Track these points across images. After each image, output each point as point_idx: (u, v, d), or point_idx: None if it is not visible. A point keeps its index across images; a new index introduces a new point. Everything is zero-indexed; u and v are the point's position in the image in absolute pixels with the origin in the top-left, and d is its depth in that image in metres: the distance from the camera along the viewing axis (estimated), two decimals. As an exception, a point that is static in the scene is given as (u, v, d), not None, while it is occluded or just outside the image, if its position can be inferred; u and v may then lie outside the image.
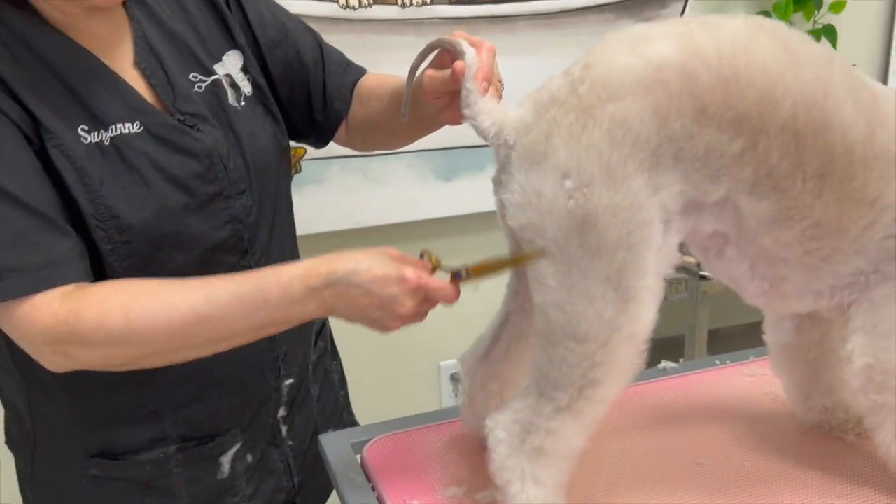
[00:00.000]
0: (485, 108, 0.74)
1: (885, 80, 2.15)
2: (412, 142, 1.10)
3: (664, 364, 1.14)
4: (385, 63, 1.72)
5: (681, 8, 1.89)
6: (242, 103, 0.92)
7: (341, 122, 1.05)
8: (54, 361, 0.77)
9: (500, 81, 0.81)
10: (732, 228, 0.74)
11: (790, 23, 1.90)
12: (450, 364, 1.96)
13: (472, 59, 0.75)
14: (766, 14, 1.92)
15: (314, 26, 1.04)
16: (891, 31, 2.10)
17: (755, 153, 0.69)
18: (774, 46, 0.70)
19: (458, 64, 0.76)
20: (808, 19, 1.97)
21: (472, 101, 0.74)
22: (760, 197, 0.71)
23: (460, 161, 1.79)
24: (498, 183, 0.76)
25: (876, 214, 0.72)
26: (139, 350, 0.76)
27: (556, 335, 0.70)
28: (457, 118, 0.85)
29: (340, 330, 1.09)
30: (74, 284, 0.76)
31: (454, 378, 1.97)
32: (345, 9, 1.64)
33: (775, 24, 0.73)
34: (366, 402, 1.97)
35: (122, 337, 0.74)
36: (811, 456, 0.89)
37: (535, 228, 0.70)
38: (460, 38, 0.79)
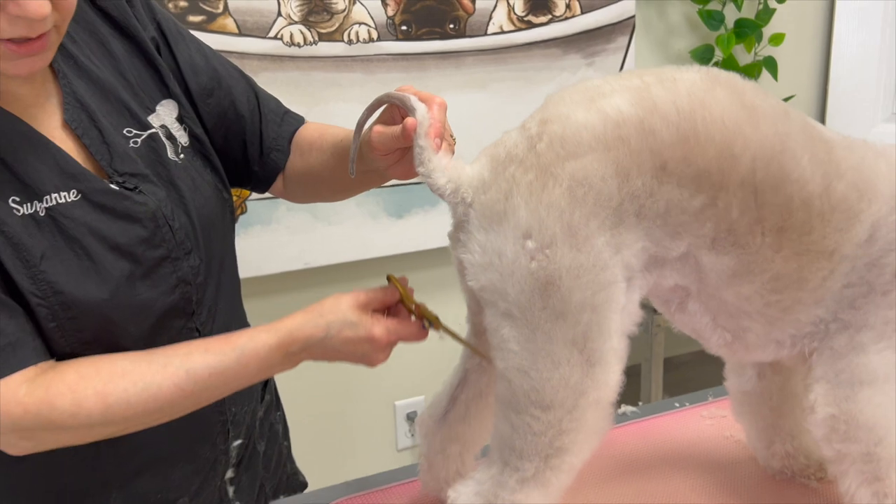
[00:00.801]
0: (439, 165, 0.71)
1: (823, 111, 2.21)
2: (354, 195, 1.07)
3: (623, 409, 1.13)
4: (332, 101, 1.70)
5: (626, 43, 1.91)
6: (181, 156, 0.88)
7: (278, 174, 1.02)
8: (20, 446, 0.74)
9: (451, 136, 0.79)
10: (694, 283, 0.73)
11: (732, 55, 1.95)
12: (406, 403, 1.92)
13: (423, 116, 0.73)
14: (709, 48, 1.96)
15: (257, 64, 1.00)
16: (828, 62, 2.16)
17: (715, 209, 0.68)
18: (732, 100, 0.69)
19: (409, 121, 0.73)
20: (749, 51, 2.01)
21: (426, 158, 0.71)
22: (721, 252, 0.70)
23: (411, 198, 1.76)
24: (456, 241, 0.74)
25: (834, 265, 0.71)
26: (117, 428, 0.76)
27: (521, 402, 0.68)
28: (406, 174, 0.83)
29: (287, 375, 1.06)
30: (35, 366, 0.72)
31: (410, 417, 1.93)
32: (289, 46, 1.61)
33: (730, 77, 0.72)
34: (320, 446, 1.92)
35: (103, 421, 0.73)
36: (773, 502, 0.88)
37: (496, 290, 0.67)
38: (409, 92, 0.77)
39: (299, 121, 1.03)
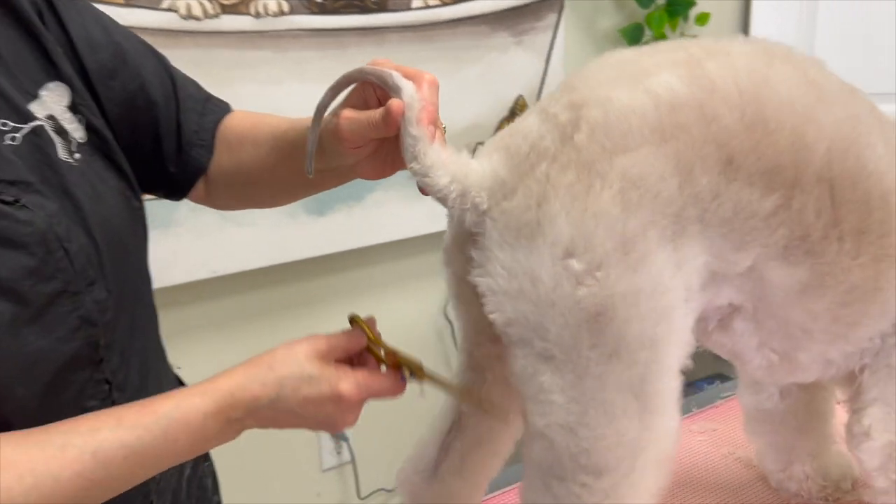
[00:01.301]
0: (439, 159, 0.55)
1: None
2: (299, 199, 0.88)
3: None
4: (238, 83, 1.48)
5: (555, 20, 1.79)
6: (76, 155, 0.66)
7: (201, 175, 0.81)
8: None
9: (442, 124, 0.62)
10: (751, 300, 0.60)
11: (664, 34, 1.87)
12: (330, 419, 1.74)
13: (412, 97, 0.56)
14: (639, 26, 1.87)
15: (149, 40, 0.79)
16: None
17: (789, 212, 0.55)
18: (796, 77, 0.57)
19: (394, 103, 0.56)
20: (675, 30, 1.94)
21: (421, 151, 0.55)
22: (793, 264, 0.57)
23: (334, 192, 1.57)
24: (456, 258, 0.58)
25: None
26: None
27: (567, 468, 0.53)
28: (381, 171, 0.66)
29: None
30: None
31: (336, 434, 1.75)
32: (186, 19, 1.38)
33: (785, 49, 0.60)
34: (239, 471, 1.70)
35: None
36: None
37: (529, 325, 0.52)
38: (389, 67, 0.60)
39: (225, 108, 0.83)
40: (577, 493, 0.53)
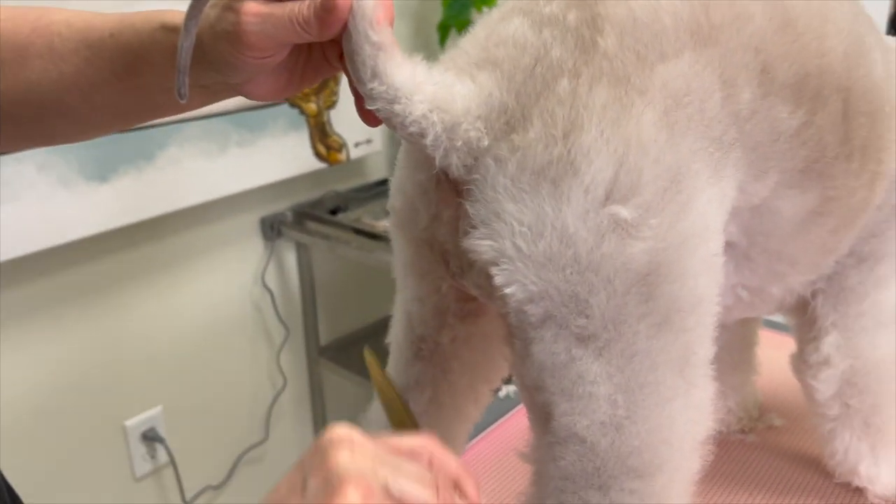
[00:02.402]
0: (411, 78, 0.39)
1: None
2: (120, 130, 0.64)
3: (506, 390, 0.91)
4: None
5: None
6: None
7: None
8: None
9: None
10: (746, 237, 0.52)
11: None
12: (139, 421, 1.48)
13: None
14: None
15: None
16: None
17: (812, 129, 0.47)
18: None
19: None
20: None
21: (385, 66, 0.38)
22: (805, 190, 0.49)
23: (118, 151, 1.28)
24: (411, 215, 0.43)
25: (890, 184, 0.56)
26: None
27: (611, 474, 0.41)
28: (283, 89, 0.46)
29: None
30: None
31: (147, 437, 1.49)
32: None
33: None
34: (44, 486, 1.38)
35: None
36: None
37: (561, 298, 0.39)
38: None
39: None
40: (625, 502, 0.41)
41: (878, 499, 0.69)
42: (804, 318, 0.65)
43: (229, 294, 1.56)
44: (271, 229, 1.60)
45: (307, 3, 0.39)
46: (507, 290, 0.39)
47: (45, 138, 0.62)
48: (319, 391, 1.76)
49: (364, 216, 1.57)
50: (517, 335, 0.41)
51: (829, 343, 0.63)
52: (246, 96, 0.49)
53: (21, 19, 0.56)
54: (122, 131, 0.60)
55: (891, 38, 0.57)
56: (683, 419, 0.42)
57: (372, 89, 0.38)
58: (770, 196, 0.48)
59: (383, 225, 1.51)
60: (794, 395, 0.76)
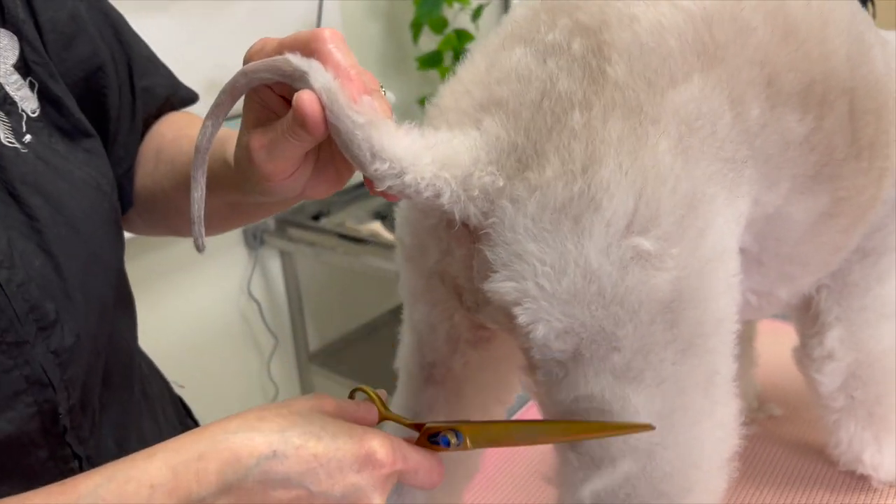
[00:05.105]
0: (409, 145, 0.38)
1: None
2: (229, 231, 0.70)
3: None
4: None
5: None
6: (27, 138, 0.49)
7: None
8: None
9: (382, 88, 0.43)
10: (758, 244, 0.52)
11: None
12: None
13: (322, 78, 0.37)
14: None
15: None
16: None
17: (821, 134, 0.47)
18: None
19: (302, 98, 0.36)
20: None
21: (378, 142, 0.37)
22: (817, 193, 0.50)
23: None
24: (420, 250, 0.43)
25: (893, 179, 0.57)
26: None
27: (642, 496, 0.41)
28: (335, 183, 0.46)
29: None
30: None
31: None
32: None
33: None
34: None
35: None
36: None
37: (593, 336, 0.38)
38: (270, 49, 0.40)
39: (157, 98, 0.65)
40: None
41: (882, 485, 0.70)
42: (807, 314, 0.66)
43: (216, 306, 1.55)
44: (254, 238, 1.59)
45: (288, 115, 0.39)
46: (537, 329, 0.39)
47: (165, 229, 0.72)
48: (312, 397, 1.75)
49: (347, 220, 1.56)
50: (542, 367, 0.41)
51: (833, 337, 0.64)
52: (308, 199, 0.49)
53: (174, 125, 0.65)
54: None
55: (888, 32, 0.57)
56: (712, 439, 0.43)
57: (376, 170, 0.37)
58: (783, 203, 0.49)
59: (367, 228, 1.50)
60: (792, 383, 0.77)
